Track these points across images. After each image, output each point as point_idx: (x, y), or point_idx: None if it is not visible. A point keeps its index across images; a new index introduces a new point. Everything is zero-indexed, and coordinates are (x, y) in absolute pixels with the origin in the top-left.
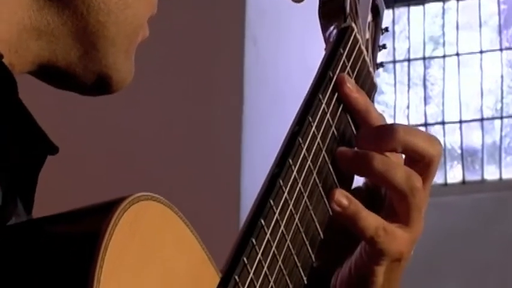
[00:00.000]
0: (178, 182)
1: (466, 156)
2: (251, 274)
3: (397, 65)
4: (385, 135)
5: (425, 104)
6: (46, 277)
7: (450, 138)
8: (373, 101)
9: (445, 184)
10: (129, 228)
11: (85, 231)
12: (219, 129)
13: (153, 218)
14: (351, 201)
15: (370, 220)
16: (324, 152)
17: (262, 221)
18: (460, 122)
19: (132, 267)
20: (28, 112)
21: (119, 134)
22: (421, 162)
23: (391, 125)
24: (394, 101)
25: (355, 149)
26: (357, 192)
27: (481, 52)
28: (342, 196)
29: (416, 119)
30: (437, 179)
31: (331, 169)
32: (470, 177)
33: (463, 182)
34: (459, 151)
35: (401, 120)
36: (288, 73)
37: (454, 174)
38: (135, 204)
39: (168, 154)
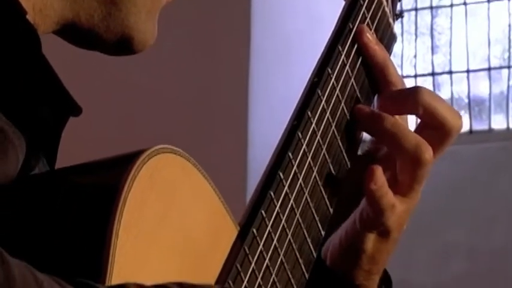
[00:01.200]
0: (186, 136)
1: (474, 105)
2: (269, 227)
3: (404, 15)
4: (409, 94)
5: (432, 53)
6: (64, 229)
7: (457, 87)
8: (391, 52)
9: None
10: (148, 180)
11: (104, 184)
12: (226, 82)
13: (172, 171)
14: (384, 179)
15: (389, 198)
16: (342, 104)
17: (281, 174)
18: (468, 71)
19: (150, 220)
20: (53, 71)
21: (132, 91)
22: (439, 131)
23: (416, 86)
24: (401, 51)
25: (375, 101)
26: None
27: (489, 1)
28: (380, 175)
29: (423, 68)
30: None
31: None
32: (478, 126)
33: (471, 132)
34: (466, 100)
35: (408, 70)
36: (294, 25)
37: None
38: (154, 157)
39: (176, 109)
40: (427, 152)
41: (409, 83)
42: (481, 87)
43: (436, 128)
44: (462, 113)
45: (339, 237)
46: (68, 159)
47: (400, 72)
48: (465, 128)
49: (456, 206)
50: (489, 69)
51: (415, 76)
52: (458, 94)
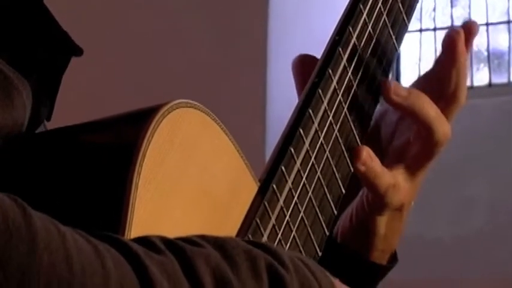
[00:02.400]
0: (205, 93)
1: (493, 58)
2: (289, 183)
3: None
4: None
5: (451, 6)
6: (84, 183)
7: (477, 40)
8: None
9: (472, 87)
10: (167, 134)
11: (123, 138)
12: (245, 39)
13: (192, 125)
14: (373, 160)
15: (385, 178)
16: (364, 63)
17: (301, 131)
18: (487, 24)
19: (170, 173)
20: (51, 14)
21: (148, 42)
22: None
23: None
24: (421, 4)
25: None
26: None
27: None
28: (367, 156)
29: (442, 21)
30: None
31: (370, 87)
32: (497, 79)
33: (490, 85)
34: (486, 54)
35: (427, 23)
36: None
37: (480, 76)
38: (173, 111)
39: (194, 65)
40: (448, 129)
41: (428, 37)
42: (500, 40)
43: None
44: (481, 66)
45: (349, 218)
46: (82, 115)
47: (419, 26)
48: (484, 81)
49: (475, 160)
50: (508, 22)
51: (434, 29)
52: (477, 47)
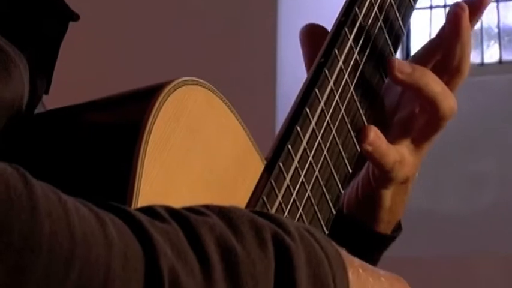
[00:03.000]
0: (213, 70)
1: (503, 35)
2: (295, 162)
3: None
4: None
5: None
6: (90, 161)
7: (487, 17)
8: None
9: (482, 64)
10: (173, 112)
11: (129, 115)
12: (255, 13)
13: (198, 103)
14: (380, 140)
15: (391, 155)
16: (370, 43)
17: (308, 110)
18: (497, 1)
19: (176, 151)
20: None
21: (156, 18)
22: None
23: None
24: None
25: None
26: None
27: None
28: (375, 136)
29: None
30: (474, 58)
31: (377, 67)
32: (507, 56)
33: (500, 62)
34: (496, 30)
35: (437, 0)
36: None
37: (490, 53)
38: (179, 89)
39: (202, 40)
40: (455, 104)
41: (438, 14)
42: (510, 17)
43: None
44: (492, 43)
45: (355, 190)
46: (88, 91)
47: (429, 3)
48: (495, 58)
49: (485, 136)
50: None
51: (445, 6)
52: (487, 24)
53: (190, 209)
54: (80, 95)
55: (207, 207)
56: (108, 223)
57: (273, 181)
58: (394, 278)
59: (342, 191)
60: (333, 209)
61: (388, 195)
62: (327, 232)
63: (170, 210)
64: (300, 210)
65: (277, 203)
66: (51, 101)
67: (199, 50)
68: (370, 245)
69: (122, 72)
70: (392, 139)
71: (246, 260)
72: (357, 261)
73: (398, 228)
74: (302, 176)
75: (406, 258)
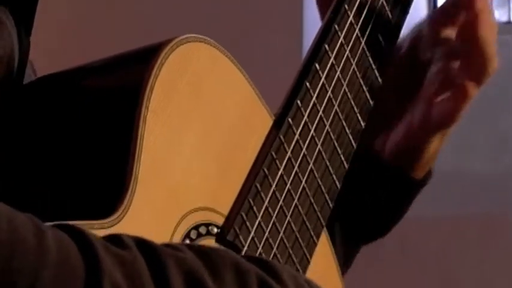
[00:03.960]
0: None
1: None
2: (305, 117)
3: None
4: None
5: None
6: (94, 119)
7: None
8: None
9: (509, 22)
10: (176, 68)
11: (132, 72)
12: None
13: (202, 59)
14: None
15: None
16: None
17: (317, 65)
18: None
19: (180, 107)
20: None
21: None
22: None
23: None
24: None
25: None
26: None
27: None
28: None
29: None
30: (501, 16)
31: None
32: None
33: None
34: None
35: None
36: None
37: None
38: (183, 45)
39: None
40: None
41: None
42: None
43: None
44: None
45: (401, 134)
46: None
47: None
48: None
49: None
50: None
51: None
52: None
53: (165, 244)
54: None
55: (187, 244)
56: (48, 234)
57: (282, 136)
58: None
59: (355, 146)
60: (345, 164)
61: (433, 141)
62: (339, 186)
63: (137, 240)
64: (311, 164)
65: (286, 158)
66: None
67: (221, 12)
68: (406, 191)
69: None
70: (434, 94)
71: None
72: None
73: (429, 175)
74: (312, 131)
75: (434, 217)
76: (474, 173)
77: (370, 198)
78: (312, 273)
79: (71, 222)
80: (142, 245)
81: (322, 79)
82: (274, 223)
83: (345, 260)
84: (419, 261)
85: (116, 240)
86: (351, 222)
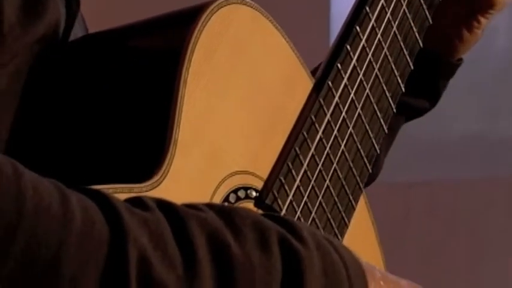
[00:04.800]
0: None
1: None
2: (345, 80)
3: None
4: None
5: None
6: (135, 81)
7: None
8: None
9: None
10: (217, 30)
11: (173, 35)
12: None
13: (243, 21)
14: None
15: None
16: None
17: (358, 28)
18: None
19: (220, 70)
20: None
21: None
22: None
23: None
24: None
25: None
26: None
27: None
28: None
29: None
30: None
31: None
32: None
33: None
34: None
35: None
36: None
37: None
38: (224, 7)
39: None
40: None
41: None
42: None
43: None
44: None
45: (448, 23)
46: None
47: None
48: None
49: None
50: None
51: None
52: None
53: (186, 204)
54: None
55: (208, 204)
56: (73, 201)
57: (321, 100)
58: None
59: (394, 110)
60: (385, 128)
61: (484, 23)
62: (378, 151)
63: (159, 202)
64: (350, 128)
65: (325, 121)
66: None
67: None
68: (444, 73)
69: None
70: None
71: (243, 260)
72: (378, 272)
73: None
74: (352, 94)
75: (461, 179)
76: (501, 136)
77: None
78: (350, 238)
79: (110, 186)
80: (164, 206)
81: (363, 42)
82: (312, 187)
83: (387, 144)
84: (447, 223)
85: (138, 202)
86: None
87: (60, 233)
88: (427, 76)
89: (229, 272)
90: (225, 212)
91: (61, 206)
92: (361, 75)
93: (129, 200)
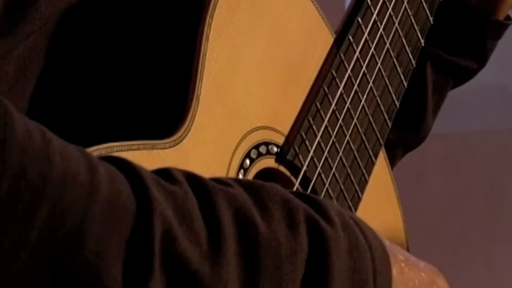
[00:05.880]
0: None
1: None
2: (365, 35)
3: None
4: None
5: None
6: (156, 36)
7: None
8: None
9: None
10: None
11: None
12: None
13: None
14: None
15: None
16: None
17: None
18: None
19: (242, 24)
20: None
21: None
22: None
23: None
24: None
25: None
26: None
27: None
28: None
29: None
30: None
31: None
32: None
33: None
34: None
35: None
36: None
37: None
38: None
39: None
40: None
41: None
42: None
43: None
44: None
45: None
46: None
47: None
48: None
49: None
50: None
51: None
52: None
53: (216, 179)
54: None
55: (236, 179)
56: (100, 170)
57: (342, 55)
58: (434, 272)
59: (414, 64)
60: (404, 82)
61: None
62: (397, 105)
63: (188, 175)
64: (371, 83)
65: (346, 76)
66: None
67: None
68: (490, 32)
69: None
70: None
71: (269, 238)
72: (400, 255)
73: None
74: (372, 49)
75: (479, 130)
76: None
77: (460, 39)
78: (369, 194)
79: (133, 142)
80: (193, 179)
81: None
82: (333, 142)
83: (434, 108)
84: (463, 176)
85: (166, 174)
86: (443, 63)
87: (85, 201)
88: (474, 36)
89: (254, 249)
90: (253, 188)
91: (88, 174)
92: (381, 30)
93: (157, 172)
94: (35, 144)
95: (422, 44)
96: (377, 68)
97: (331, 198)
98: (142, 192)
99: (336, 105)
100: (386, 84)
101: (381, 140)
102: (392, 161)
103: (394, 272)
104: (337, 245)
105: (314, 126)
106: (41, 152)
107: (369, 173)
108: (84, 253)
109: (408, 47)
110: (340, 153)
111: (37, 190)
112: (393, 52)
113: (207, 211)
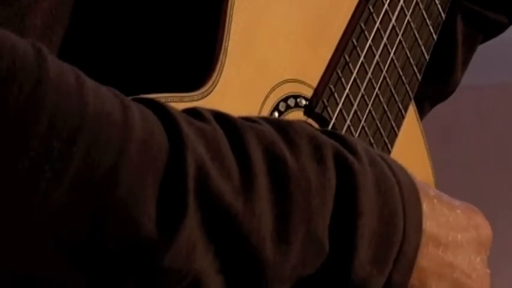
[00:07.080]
0: None
1: None
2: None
3: None
4: None
5: None
6: (179, 13)
7: None
8: None
9: None
10: None
11: None
12: None
13: None
14: None
15: None
16: None
17: None
18: None
19: None
20: None
21: None
22: None
23: None
24: None
25: None
26: None
27: None
28: None
29: None
30: None
31: None
32: None
33: None
34: None
35: None
36: None
37: None
38: None
39: None
40: None
41: None
42: None
43: None
44: None
45: None
46: None
47: None
48: None
49: None
50: None
51: None
52: None
53: (243, 117)
54: None
55: (264, 117)
56: (133, 110)
57: (371, 7)
58: (470, 209)
59: (443, 17)
60: (434, 35)
61: None
62: (427, 58)
63: (216, 113)
64: (400, 36)
65: (375, 29)
66: None
67: None
68: None
69: None
70: None
71: (299, 174)
72: (432, 191)
73: None
74: (401, 1)
75: (494, 84)
76: None
77: None
78: (399, 149)
79: (161, 95)
80: (221, 118)
81: None
82: (362, 95)
83: (463, 60)
84: (499, 128)
85: (195, 113)
86: (474, 16)
87: (120, 140)
88: None
89: (284, 184)
90: (281, 125)
91: (122, 113)
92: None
93: (186, 111)
94: (69, 86)
95: (443, 18)
96: (406, 21)
97: None
98: (174, 130)
99: (364, 57)
100: (416, 37)
101: (410, 93)
102: (421, 114)
103: (424, 206)
104: (364, 179)
105: (343, 79)
106: (75, 94)
107: (399, 127)
108: (120, 192)
109: (429, 20)
110: (369, 106)
111: (74, 129)
112: (422, 4)
113: (237, 148)
